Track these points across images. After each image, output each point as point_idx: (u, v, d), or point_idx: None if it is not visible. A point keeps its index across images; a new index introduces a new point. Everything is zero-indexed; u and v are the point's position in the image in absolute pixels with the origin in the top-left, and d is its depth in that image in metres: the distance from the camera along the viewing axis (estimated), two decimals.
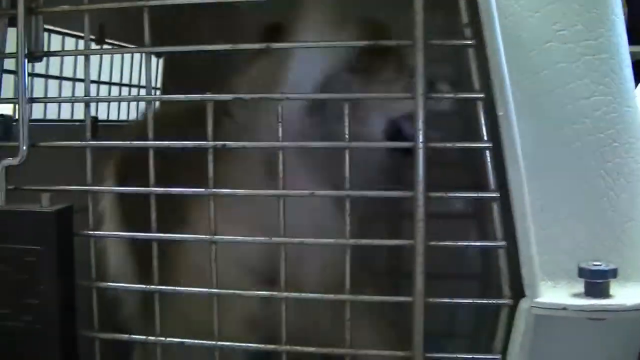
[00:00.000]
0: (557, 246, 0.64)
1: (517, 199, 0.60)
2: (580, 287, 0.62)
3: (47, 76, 0.99)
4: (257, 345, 0.70)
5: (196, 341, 0.69)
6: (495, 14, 0.59)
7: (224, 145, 0.66)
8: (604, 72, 0.64)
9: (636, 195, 0.64)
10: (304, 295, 0.69)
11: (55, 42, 0.96)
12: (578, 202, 0.64)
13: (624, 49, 0.65)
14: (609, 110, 0.64)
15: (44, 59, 0.73)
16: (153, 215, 0.69)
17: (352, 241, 0.65)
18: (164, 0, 0.67)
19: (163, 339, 0.69)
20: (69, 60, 1.03)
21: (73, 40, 0.98)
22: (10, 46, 0.71)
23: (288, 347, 0.67)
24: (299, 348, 0.67)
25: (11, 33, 0.71)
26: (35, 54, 0.69)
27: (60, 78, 1.03)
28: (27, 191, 0.71)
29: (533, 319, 0.60)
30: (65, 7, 0.69)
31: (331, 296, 0.67)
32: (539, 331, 0.61)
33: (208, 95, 0.67)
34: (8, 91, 0.75)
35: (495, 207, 0.63)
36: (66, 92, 1.03)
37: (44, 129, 0.86)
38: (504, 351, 0.64)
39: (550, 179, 0.64)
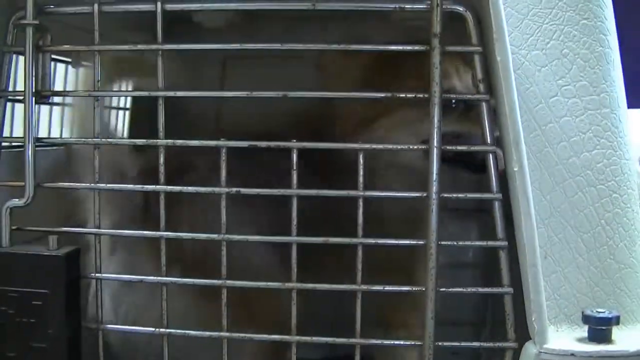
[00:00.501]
0: (559, 292, 0.67)
1: (529, 250, 0.63)
2: (581, 332, 0.65)
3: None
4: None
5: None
6: (512, 73, 0.62)
7: (239, 191, 0.67)
8: (605, 126, 0.67)
9: (633, 244, 0.68)
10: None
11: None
12: (579, 250, 0.67)
13: (623, 103, 0.69)
14: (610, 162, 0.67)
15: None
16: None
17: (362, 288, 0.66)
18: (177, 45, 0.67)
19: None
20: None
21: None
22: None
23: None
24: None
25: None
26: (43, 93, 0.68)
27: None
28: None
29: None
30: (76, 48, 0.68)
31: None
32: None
33: (222, 142, 0.67)
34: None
35: (503, 255, 0.66)
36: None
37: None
38: None
39: (553, 228, 0.67)
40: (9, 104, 0.73)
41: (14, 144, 0.74)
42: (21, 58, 0.70)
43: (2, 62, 0.70)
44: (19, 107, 0.72)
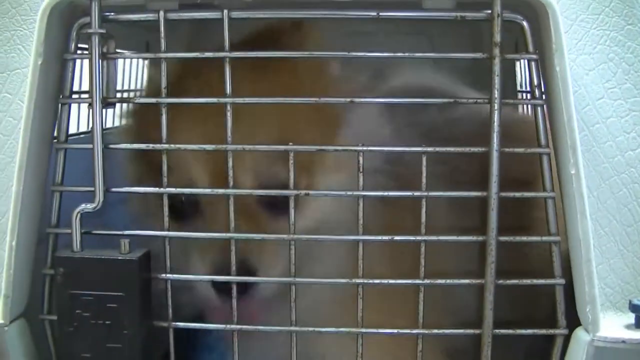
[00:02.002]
0: (605, 282, 0.72)
1: (584, 247, 0.67)
2: (627, 320, 0.70)
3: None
4: None
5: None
6: (570, 82, 0.65)
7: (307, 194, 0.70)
8: None
9: None
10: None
11: None
12: (624, 242, 0.72)
13: None
14: None
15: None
16: None
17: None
18: (245, 53, 0.69)
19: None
20: None
21: None
22: None
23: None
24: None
25: None
26: (109, 100, 0.70)
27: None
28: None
29: (593, 350, 0.68)
30: (142, 55, 0.70)
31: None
32: (596, 359, 0.69)
33: (288, 146, 0.70)
34: None
35: (557, 250, 0.71)
36: None
37: None
38: None
39: (600, 222, 0.71)
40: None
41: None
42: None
43: (66, 69, 0.71)
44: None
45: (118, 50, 0.74)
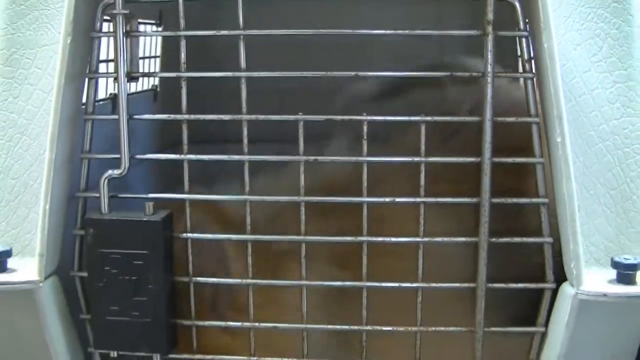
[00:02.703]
0: (590, 240, 0.78)
1: (569, 208, 0.73)
2: (609, 275, 0.76)
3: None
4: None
5: (287, 325, 0.80)
6: (557, 57, 0.71)
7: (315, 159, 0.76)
8: (631, 97, 0.77)
9: None
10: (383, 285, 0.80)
11: None
12: (607, 204, 0.78)
13: None
14: (634, 129, 0.77)
15: None
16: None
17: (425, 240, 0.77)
18: (259, 31, 0.75)
19: (257, 324, 0.80)
20: None
21: None
22: None
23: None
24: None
25: None
26: (133, 75, 0.76)
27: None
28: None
29: (577, 302, 0.75)
30: (163, 33, 0.75)
31: (405, 285, 0.79)
32: (580, 311, 0.75)
33: (298, 116, 0.76)
34: None
35: (545, 211, 0.77)
36: None
37: None
38: (546, 324, 0.79)
39: (585, 185, 0.77)
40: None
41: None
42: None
43: (92, 46, 0.77)
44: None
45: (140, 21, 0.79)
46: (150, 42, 1.23)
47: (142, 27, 1.10)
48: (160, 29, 1.09)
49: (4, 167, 0.80)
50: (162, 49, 1.29)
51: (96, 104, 0.81)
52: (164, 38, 1.26)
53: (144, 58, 1.24)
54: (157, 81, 1.26)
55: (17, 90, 0.80)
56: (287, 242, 0.80)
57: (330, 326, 0.81)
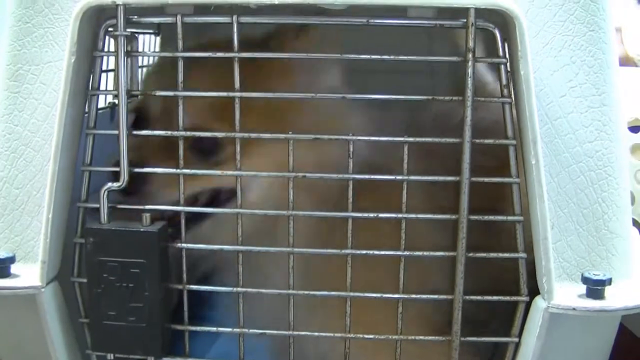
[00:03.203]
0: (562, 256, 0.82)
1: (542, 226, 0.78)
2: (580, 290, 0.80)
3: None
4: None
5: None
6: (533, 85, 0.75)
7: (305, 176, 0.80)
8: (604, 121, 0.81)
9: (622, 217, 0.83)
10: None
11: None
12: (580, 223, 0.82)
13: (619, 101, 0.83)
14: (607, 151, 0.82)
15: None
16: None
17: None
18: (252, 54, 0.79)
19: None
20: None
21: None
22: None
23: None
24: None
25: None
26: (133, 93, 0.80)
27: None
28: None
29: (548, 315, 0.79)
30: (161, 53, 0.80)
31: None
32: (551, 324, 0.80)
33: (289, 135, 0.80)
34: None
35: (520, 228, 0.81)
36: None
37: None
38: (519, 335, 0.83)
39: (559, 204, 0.82)
40: None
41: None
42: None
43: (94, 64, 0.82)
44: None
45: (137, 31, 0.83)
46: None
47: (140, 38, 1.14)
48: (158, 38, 1.13)
49: (8, 177, 0.84)
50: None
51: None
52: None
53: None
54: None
55: (22, 104, 0.84)
56: None
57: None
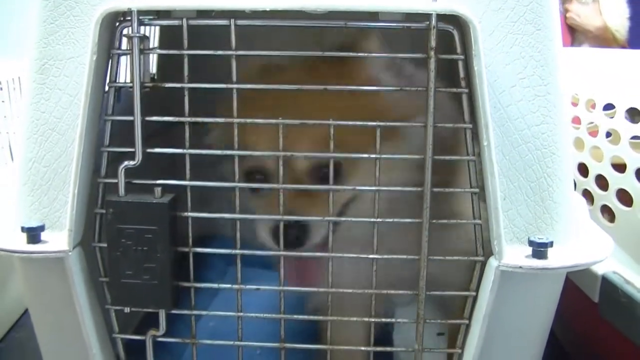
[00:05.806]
0: (513, 223, 0.96)
1: (493, 198, 0.92)
2: (527, 252, 0.94)
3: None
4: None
5: (272, 287, 0.99)
6: (485, 77, 0.89)
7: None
8: (549, 107, 0.95)
9: (565, 190, 0.97)
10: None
11: None
12: (528, 194, 0.96)
13: (563, 90, 0.96)
14: (552, 133, 0.95)
15: None
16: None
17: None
18: (249, 52, 0.92)
19: (242, 286, 0.98)
20: None
21: None
22: None
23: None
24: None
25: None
26: (146, 85, 0.93)
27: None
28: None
29: (499, 273, 0.93)
30: (168, 51, 0.93)
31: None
32: (502, 280, 0.94)
33: (279, 120, 0.94)
34: None
35: (476, 199, 0.95)
36: None
37: None
38: (477, 290, 0.98)
39: (511, 178, 0.96)
40: None
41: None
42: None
43: (112, 60, 0.95)
44: None
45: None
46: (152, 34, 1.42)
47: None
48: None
49: (37, 157, 0.98)
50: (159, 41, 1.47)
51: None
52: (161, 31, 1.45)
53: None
54: None
55: (48, 94, 0.98)
56: None
57: (304, 288, 1.00)
